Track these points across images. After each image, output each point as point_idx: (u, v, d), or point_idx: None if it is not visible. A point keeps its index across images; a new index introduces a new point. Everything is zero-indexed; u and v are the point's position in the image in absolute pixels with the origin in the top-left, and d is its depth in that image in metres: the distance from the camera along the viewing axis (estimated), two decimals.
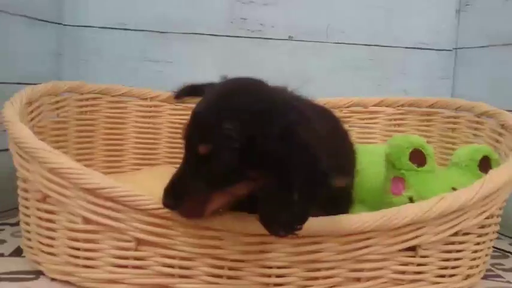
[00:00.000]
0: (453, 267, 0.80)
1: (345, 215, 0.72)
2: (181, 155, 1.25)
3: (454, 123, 1.16)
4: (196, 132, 0.66)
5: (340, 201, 0.81)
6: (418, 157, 0.85)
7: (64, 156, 0.71)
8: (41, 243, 0.77)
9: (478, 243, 0.82)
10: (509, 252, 1.09)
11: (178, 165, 1.22)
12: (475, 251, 0.82)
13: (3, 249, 0.93)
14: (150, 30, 1.38)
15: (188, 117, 0.68)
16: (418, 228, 0.74)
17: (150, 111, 1.26)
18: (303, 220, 0.61)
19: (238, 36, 1.40)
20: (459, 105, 1.13)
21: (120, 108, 1.22)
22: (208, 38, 1.39)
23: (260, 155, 0.61)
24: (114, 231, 0.71)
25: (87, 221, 0.72)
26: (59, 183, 0.71)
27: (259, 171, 0.62)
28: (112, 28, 1.37)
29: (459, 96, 1.43)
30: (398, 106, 1.25)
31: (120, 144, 1.23)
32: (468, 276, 0.83)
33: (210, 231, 0.69)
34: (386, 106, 1.26)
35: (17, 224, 1.07)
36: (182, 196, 0.64)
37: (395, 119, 1.26)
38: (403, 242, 0.74)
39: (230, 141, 0.62)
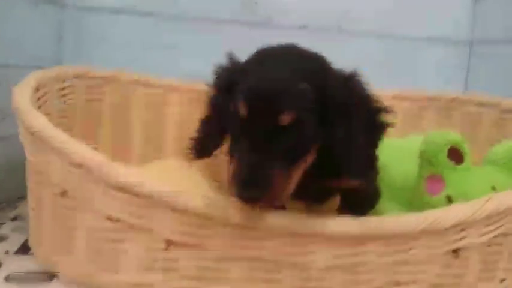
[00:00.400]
0: (490, 270, 0.77)
1: (389, 216, 0.68)
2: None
3: (476, 118, 1.12)
4: (271, 102, 0.58)
5: (367, 197, 0.79)
6: (454, 155, 0.81)
7: (90, 149, 0.65)
8: (57, 241, 0.71)
9: None
10: None
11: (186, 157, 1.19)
12: (511, 254, 0.79)
13: (7, 246, 0.86)
14: (158, 15, 1.31)
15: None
16: (463, 230, 0.70)
17: (158, 100, 1.19)
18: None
19: (250, 22, 1.34)
20: (482, 100, 1.10)
21: (127, 96, 1.15)
22: (219, 25, 1.33)
23: (330, 110, 0.60)
24: (142, 230, 0.65)
25: (112, 219, 0.66)
26: (84, 177, 0.65)
27: (327, 130, 0.60)
28: (118, 11, 1.29)
29: (473, 89, 1.40)
30: (416, 100, 1.22)
31: (127, 134, 1.16)
32: (503, 280, 0.80)
33: (249, 231, 0.64)
34: (403, 100, 1.22)
35: (16, 218, 1.00)
36: (263, 182, 0.56)
37: (412, 114, 1.22)
38: (447, 244, 0.70)
39: (310, 103, 0.58)
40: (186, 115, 1.22)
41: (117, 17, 1.30)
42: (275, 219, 0.63)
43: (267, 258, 0.65)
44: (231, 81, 0.64)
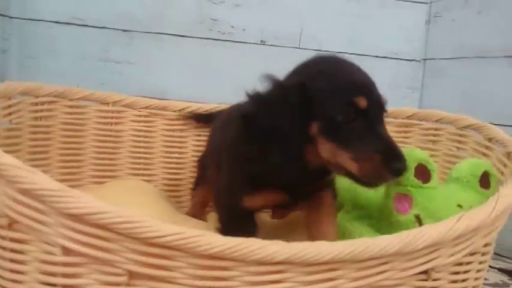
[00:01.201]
0: None
1: (361, 239, 0.66)
2: (145, 165, 1.15)
3: (435, 135, 1.14)
4: (378, 93, 0.73)
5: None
6: (421, 173, 0.81)
7: (40, 174, 0.59)
8: (3, 278, 0.64)
9: (481, 262, 0.79)
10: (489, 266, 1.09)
11: (143, 177, 1.14)
12: (478, 271, 0.79)
13: None
14: (112, 28, 1.25)
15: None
16: (434, 251, 0.69)
17: (111, 118, 1.13)
18: None
19: (207, 38, 1.31)
20: (440, 117, 1.11)
21: (78, 114, 1.09)
22: (176, 39, 1.29)
23: None
24: (103, 263, 0.59)
25: (67, 251, 0.60)
26: (34, 206, 0.58)
27: None
28: (68, 23, 1.22)
29: (427, 107, 1.43)
30: None
31: (79, 154, 1.10)
32: None
33: (218, 260, 0.60)
34: None
35: None
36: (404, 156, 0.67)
37: None
38: (419, 265, 0.69)
39: None
40: (142, 132, 1.17)
41: (66, 29, 1.22)
42: (245, 248, 0.59)
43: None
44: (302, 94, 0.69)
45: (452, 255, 0.71)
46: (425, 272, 0.71)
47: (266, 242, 0.61)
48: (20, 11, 1.20)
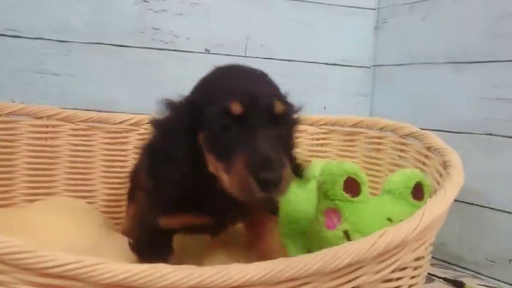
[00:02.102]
0: None
1: (279, 259, 0.63)
2: (82, 182, 1.11)
3: (379, 143, 1.12)
4: (271, 96, 0.66)
5: None
6: (351, 186, 0.79)
7: None
8: None
9: (413, 277, 0.78)
10: (433, 275, 1.08)
11: (81, 193, 1.10)
12: (411, 285, 0.78)
13: None
14: (48, 39, 1.20)
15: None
16: (358, 268, 0.67)
17: (46, 132, 1.09)
18: None
19: (150, 48, 1.27)
20: (383, 125, 1.10)
21: (9, 129, 1.04)
22: (116, 49, 1.25)
23: None
24: None
25: None
26: None
27: None
28: (0, 35, 1.18)
29: (377, 113, 1.42)
30: (321, 125, 1.20)
31: (10, 172, 1.06)
32: None
33: None
34: (309, 125, 1.20)
35: None
36: (281, 165, 0.60)
37: (317, 139, 1.21)
38: (341, 284, 0.67)
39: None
40: (80, 147, 1.13)
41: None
42: (150, 274, 0.56)
43: None
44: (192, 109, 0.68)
45: (378, 272, 0.69)
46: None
47: (173, 268, 0.58)
48: None
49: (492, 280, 1.10)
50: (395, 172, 0.87)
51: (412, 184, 0.82)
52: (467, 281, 1.05)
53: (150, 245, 0.76)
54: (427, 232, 0.74)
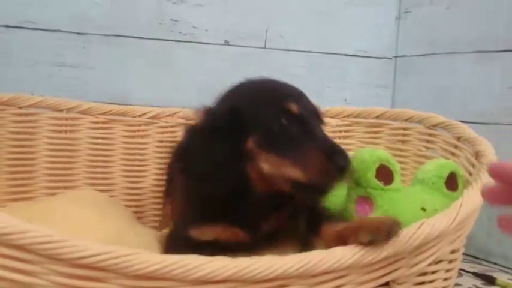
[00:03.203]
0: None
1: (314, 252, 0.61)
2: (102, 175, 1.10)
3: (404, 135, 1.09)
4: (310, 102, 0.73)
5: None
6: (383, 174, 0.76)
7: None
8: None
9: (448, 270, 0.75)
10: (462, 269, 1.05)
11: (101, 187, 1.08)
12: (446, 279, 0.75)
13: None
14: (66, 31, 1.19)
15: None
16: (395, 261, 0.65)
17: (66, 125, 1.08)
18: None
19: (168, 40, 1.25)
20: (410, 116, 1.07)
21: (29, 122, 1.03)
22: (134, 41, 1.23)
23: None
24: (24, 287, 0.54)
25: None
26: None
27: None
28: (18, 27, 1.16)
29: (399, 105, 1.39)
30: (344, 117, 1.18)
31: (30, 165, 1.04)
32: None
33: (154, 281, 0.55)
34: (331, 117, 1.18)
35: None
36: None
37: (340, 131, 1.18)
38: (378, 278, 0.65)
39: None
40: (99, 140, 1.12)
41: (17, 34, 1.16)
42: (184, 265, 0.54)
43: None
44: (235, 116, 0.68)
45: (415, 265, 0.67)
46: (386, 284, 0.67)
47: (207, 259, 0.56)
48: None
49: None
50: (429, 162, 0.85)
51: (445, 174, 0.80)
52: (497, 275, 1.02)
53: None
54: (464, 224, 0.72)
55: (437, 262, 0.72)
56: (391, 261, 0.65)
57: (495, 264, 1.13)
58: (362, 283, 0.64)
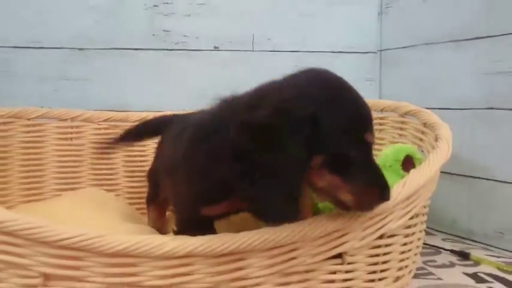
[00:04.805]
0: (382, 271, 0.79)
1: (266, 228, 0.69)
2: (107, 176, 1.21)
3: (381, 124, 1.16)
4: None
5: None
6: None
7: None
8: None
9: (405, 244, 0.82)
10: (441, 248, 1.11)
11: (106, 187, 1.19)
12: (403, 252, 0.82)
13: None
14: (68, 48, 1.31)
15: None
16: (342, 235, 0.73)
17: (71, 133, 1.19)
18: None
19: (162, 49, 1.36)
20: (384, 106, 1.14)
21: (37, 132, 1.15)
22: (130, 53, 1.34)
23: None
24: (18, 267, 0.65)
25: None
26: None
27: None
28: (25, 47, 1.29)
29: (386, 97, 1.45)
30: None
31: (40, 170, 1.16)
32: (398, 278, 0.83)
33: (124, 257, 0.64)
34: None
35: None
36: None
37: None
38: (328, 250, 0.72)
39: None
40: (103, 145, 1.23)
41: (24, 53, 1.30)
42: (147, 244, 0.64)
43: (145, 284, 0.65)
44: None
45: (362, 238, 0.74)
46: (338, 256, 0.74)
47: (167, 238, 0.66)
48: None
49: (500, 250, 1.12)
50: (388, 146, 0.91)
51: (401, 157, 0.87)
52: (475, 252, 1.07)
53: (194, 230, 0.74)
54: (412, 200, 0.79)
55: (390, 236, 0.79)
56: (340, 235, 0.72)
57: (478, 242, 1.18)
58: (315, 254, 0.72)
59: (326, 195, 0.69)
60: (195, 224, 0.80)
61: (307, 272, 0.72)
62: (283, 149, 0.63)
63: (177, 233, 0.83)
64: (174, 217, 0.90)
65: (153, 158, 1.14)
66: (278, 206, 0.67)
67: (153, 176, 1.11)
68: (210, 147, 0.72)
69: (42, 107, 1.23)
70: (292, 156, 0.63)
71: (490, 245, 1.15)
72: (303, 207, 0.76)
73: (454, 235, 1.24)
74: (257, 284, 0.70)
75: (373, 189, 0.66)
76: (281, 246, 0.69)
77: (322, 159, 0.65)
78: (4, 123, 1.09)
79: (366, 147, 0.68)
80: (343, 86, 0.71)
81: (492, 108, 1.14)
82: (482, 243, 1.17)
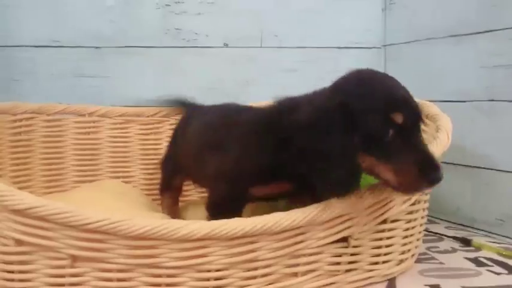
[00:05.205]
0: (385, 254, 0.84)
1: (276, 213, 0.74)
2: (123, 169, 1.27)
3: None
4: (418, 106, 0.75)
5: None
6: None
7: None
8: None
9: (407, 229, 0.87)
10: (444, 235, 1.15)
11: (123, 179, 1.24)
12: (405, 237, 0.87)
13: None
14: (84, 46, 1.37)
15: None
16: (348, 219, 0.78)
17: (89, 127, 1.25)
18: None
19: (174, 47, 1.41)
20: None
21: (57, 127, 1.21)
22: (144, 50, 1.40)
23: None
24: (48, 250, 0.70)
25: (19, 242, 0.71)
26: None
27: None
28: (44, 46, 1.36)
29: None
30: None
31: (60, 163, 1.22)
32: (401, 261, 0.87)
33: (145, 240, 0.70)
34: None
35: None
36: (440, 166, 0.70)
37: None
38: (334, 233, 0.77)
39: None
40: (118, 139, 1.29)
41: (44, 52, 1.36)
42: (166, 228, 0.69)
43: (164, 265, 0.71)
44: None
45: (366, 223, 0.79)
46: (344, 239, 0.79)
47: (185, 222, 0.71)
48: (1, 39, 1.34)
49: (501, 237, 1.16)
50: None
51: None
52: (477, 239, 1.11)
53: (226, 210, 0.81)
54: None
55: (393, 221, 0.84)
56: (345, 219, 0.77)
57: (480, 230, 1.22)
58: (322, 238, 0.77)
59: (373, 174, 0.74)
60: (230, 205, 0.85)
61: (314, 254, 0.77)
62: (328, 139, 0.71)
63: (210, 216, 0.87)
64: (207, 200, 0.92)
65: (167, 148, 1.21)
66: (337, 183, 0.73)
67: (168, 163, 1.19)
68: (265, 135, 0.82)
69: (60, 103, 1.28)
70: (337, 142, 0.70)
71: (492, 232, 1.19)
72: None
73: (457, 223, 1.28)
74: (267, 266, 0.75)
75: (413, 168, 0.69)
76: (290, 229, 0.74)
77: (356, 139, 0.71)
78: (26, 118, 1.15)
79: (398, 127, 0.70)
80: (374, 76, 0.79)
81: (493, 100, 1.18)
82: (484, 230, 1.21)
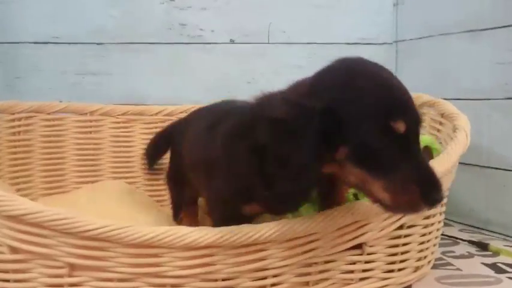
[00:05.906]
0: (401, 261, 0.80)
1: (286, 219, 0.70)
2: (126, 169, 1.23)
3: None
4: (418, 110, 0.63)
5: None
6: None
7: None
8: None
9: (424, 235, 0.83)
10: (459, 238, 1.11)
11: (125, 180, 1.20)
12: (422, 243, 0.83)
13: None
14: (87, 43, 1.33)
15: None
16: (362, 226, 0.73)
17: (90, 126, 1.21)
18: None
19: (178, 43, 1.37)
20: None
21: (57, 126, 1.17)
22: (147, 47, 1.36)
23: None
24: (45, 258, 0.66)
25: (15, 250, 0.67)
26: None
27: None
28: (46, 43, 1.32)
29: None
30: None
31: (60, 164, 1.18)
32: (417, 268, 0.83)
33: (148, 248, 0.66)
34: None
35: None
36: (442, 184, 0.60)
37: None
38: (348, 241, 0.73)
39: None
40: (121, 138, 1.25)
41: (45, 48, 1.32)
42: (171, 235, 0.65)
43: (168, 274, 0.67)
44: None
45: (382, 229, 0.75)
46: (358, 246, 0.75)
47: (190, 229, 0.67)
48: (3, 36, 1.30)
49: None
50: None
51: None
52: (494, 243, 1.07)
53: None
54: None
55: (410, 226, 0.79)
56: (360, 225, 0.73)
57: (495, 233, 1.18)
58: (335, 245, 0.73)
59: (363, 192, 0.64)
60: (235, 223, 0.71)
61: (327, 262, 0.73)
62: (294, 143, 0.60)
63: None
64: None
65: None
66: (289, 198, 0.66)
67: (174, 178, 1.10)
68: (241, 147, 0.70)
69: (61, 101, 1.24)
70: (304, 149, 0.60)
71: (508, 236, 1.15)
72: (336, 197, 0.78)
73: (470, 225, 1.24)
74: (277, 275, 0.71)
75: (411, 186, 0.58)
76: (300, 237, 0.70)
77: (345, 151, 0.60)
78: (25, 117, 1.11)
79: (398, 137, 0.59)
80: (365, 68, 0.66)
81: (509, 98, 1.14)
82: (499, 233, 1.17)
